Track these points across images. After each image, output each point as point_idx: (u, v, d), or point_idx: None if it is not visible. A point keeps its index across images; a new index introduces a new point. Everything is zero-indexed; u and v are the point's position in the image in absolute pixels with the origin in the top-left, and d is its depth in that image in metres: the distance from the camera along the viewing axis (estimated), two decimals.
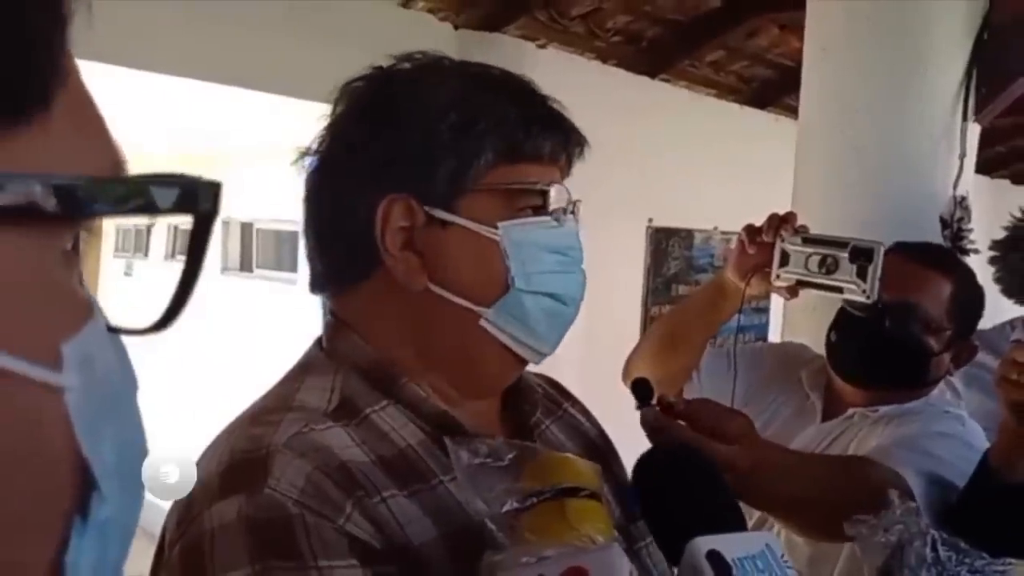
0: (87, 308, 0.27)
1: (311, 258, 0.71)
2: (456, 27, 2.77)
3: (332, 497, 0.56)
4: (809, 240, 1.18)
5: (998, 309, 1.71)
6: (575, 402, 0.85)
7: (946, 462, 1.09)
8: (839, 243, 1.17)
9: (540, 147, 0.68)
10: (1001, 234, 1.74)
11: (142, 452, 0.29)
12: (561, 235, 0.69)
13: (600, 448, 0.82)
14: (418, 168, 0.66)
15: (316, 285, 0.71)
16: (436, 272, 0.66)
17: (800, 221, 1.21)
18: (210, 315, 5.36)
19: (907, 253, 1.25)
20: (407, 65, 0.70)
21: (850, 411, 1.25)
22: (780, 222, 1.20)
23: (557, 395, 0.84)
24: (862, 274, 1.14)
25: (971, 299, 1.26)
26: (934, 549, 0.79)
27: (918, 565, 0.78)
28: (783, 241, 1.18)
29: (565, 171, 0.72)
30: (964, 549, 0.79)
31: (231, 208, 5.15)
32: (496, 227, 0.66)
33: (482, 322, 0.67)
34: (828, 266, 1.15)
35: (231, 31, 2.32)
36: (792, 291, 1.20)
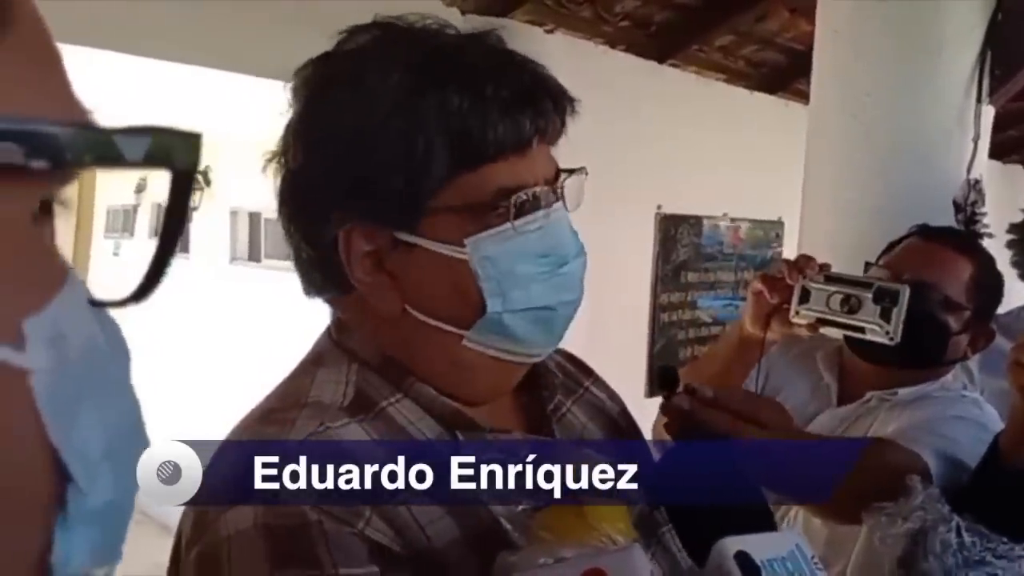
0: (57, 280, 0.24)
1: (296, 267, 0.67)
2: (463, 12, 2.75)
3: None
4: (831, 278, 1.18)
5: (1012, 293, 1.69)
6: (596, 379, 0.81)
7: (962, 444, 1.09)
8: (863, 283, 1.17)
9: (504, 139, 0.59)
10: (1018, 217, 1.73)
11: (136, 434, 0.27)
12: (543, 236, 0.62)
13: (622, 428, 0.79)
14: (369, 189, 0.60)
15: (306, 292, 0.68)
16: (410, 294, 0.62)
17: (811, 207, 1.21)
18: (219, 305, 5.38)
19: (929, 235, 1.26)
20: (351, 46, 0.62)
21: (868, 395, 1.25)
22: (798, 267, 1.20)
23: (578, 372, 0.80)
24: (886, 316, 1.14)
25: (991, 283, 1.26)
26: (959, 534, 0.78)
27: (943, 551, 0.78)
28: (805, 279, 1.18)
29: (553, 139, 0.63)
30: (986, 534, 0.79)
31: (239, 198, 5.15)
32: (464, 245, 0.60)
33: (465, 342, 0.63)
34: (851, 306, 1.15)
35: (236, 19, 2.31)
36: (812, 329, 1.20)
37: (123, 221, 6.38)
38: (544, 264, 0.62)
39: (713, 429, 0.77)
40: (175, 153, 0.24)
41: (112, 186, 6.12)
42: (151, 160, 0.23)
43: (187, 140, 0.24)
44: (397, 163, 0.58)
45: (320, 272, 0.65)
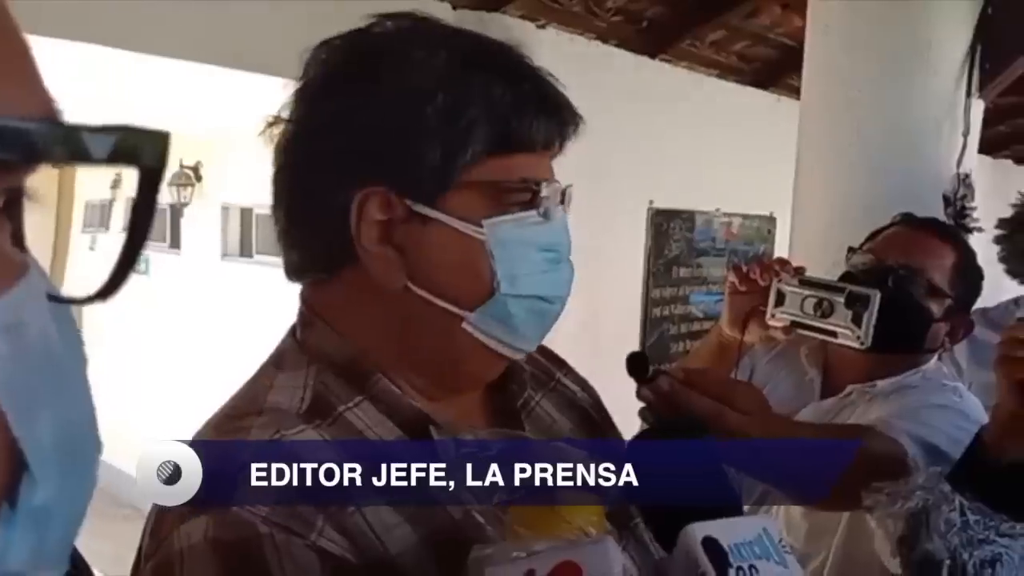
0: (16, 271, 0.25)
1: (282, 242, 0.65)
2: (455, 7, 2.74)
3: (302, 512, 0.54)
4: (806, 282, 1.20)
5: (999, 289, 1.70)
6: (568, 370, 0.82)
7: (940, 431, 1.10)
8: (836, 287, 1.19)
9: (534, 136, 0.62)
10: (1007, 213, 1.74)
11: (88, 434, 0.27)
12: (550, 231, 0.64)
13: (595, 421, 0.79)
14: (398, 157, 0.60)
15: (290, 272, 0.66)
16: (416, 270, 0.61)
17: (803, 201, 1.22)
18: (211, 301, 5.37)
19: (913, 223, 1.27)
20: (391, 26, 0.63)
21: (848, 388, 1.26)
22: (769, 268, 1.23)
23: (548, 364, 0.80)
24: (857, 320, 1.15)
25: (972, 274, 1.27)
26: (963, 513, 0.79)
27: (947, 530, 0.78)
28: (780, 281, 1.21)
29: (558, 154, 0.67)
30: (989, 513, 0.79)
31: (230, 194, 5.13)
32: (481, 225, 0.61)
33: (465, 325, 0.62)
34: (824, 310, 1.17)
35: (229, 15, 2.30)
36: (787, 331, 1.23)
37: (100, 216, 6.34)
38: (548, 257, 0.65)
39: (690, 411, 0.77)
40: (142, 151, 0.24)
41: (90, 181, 6.08)
42: (117, 157, 0.24)
43: (154, 138, 0.24)
44: (437, 134, 0.60)
45: (319, 239, 0.63)
